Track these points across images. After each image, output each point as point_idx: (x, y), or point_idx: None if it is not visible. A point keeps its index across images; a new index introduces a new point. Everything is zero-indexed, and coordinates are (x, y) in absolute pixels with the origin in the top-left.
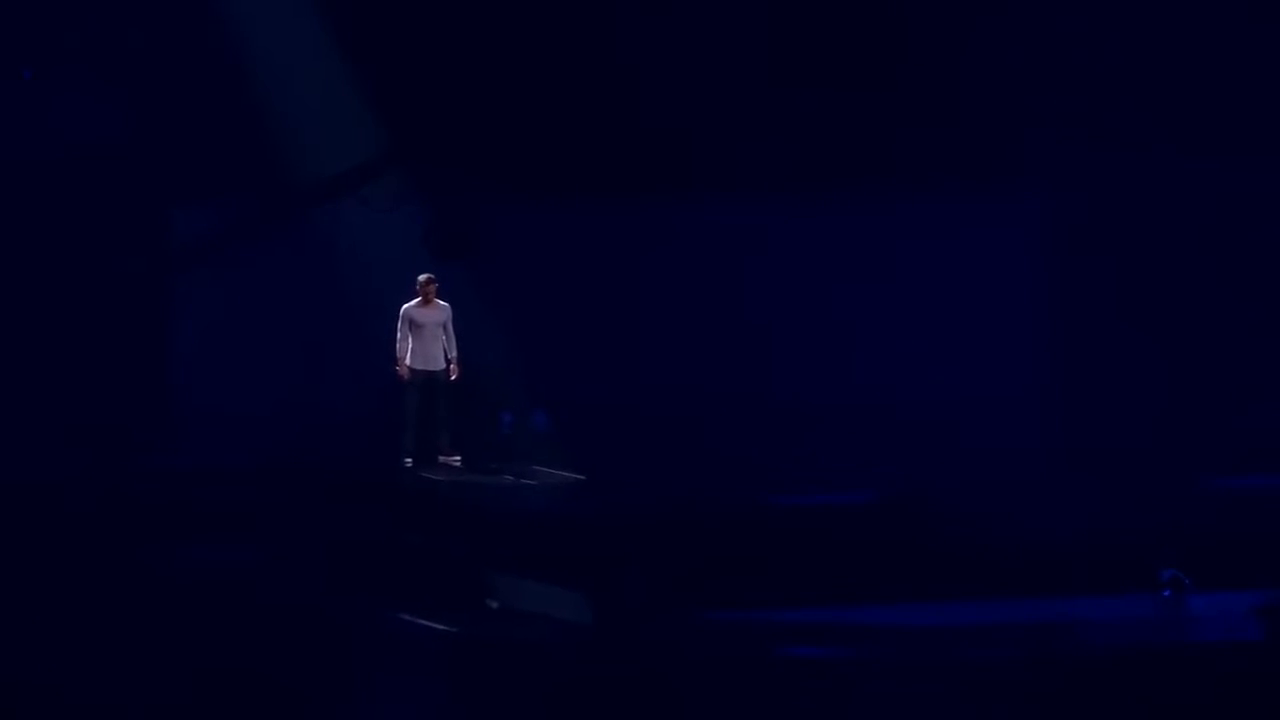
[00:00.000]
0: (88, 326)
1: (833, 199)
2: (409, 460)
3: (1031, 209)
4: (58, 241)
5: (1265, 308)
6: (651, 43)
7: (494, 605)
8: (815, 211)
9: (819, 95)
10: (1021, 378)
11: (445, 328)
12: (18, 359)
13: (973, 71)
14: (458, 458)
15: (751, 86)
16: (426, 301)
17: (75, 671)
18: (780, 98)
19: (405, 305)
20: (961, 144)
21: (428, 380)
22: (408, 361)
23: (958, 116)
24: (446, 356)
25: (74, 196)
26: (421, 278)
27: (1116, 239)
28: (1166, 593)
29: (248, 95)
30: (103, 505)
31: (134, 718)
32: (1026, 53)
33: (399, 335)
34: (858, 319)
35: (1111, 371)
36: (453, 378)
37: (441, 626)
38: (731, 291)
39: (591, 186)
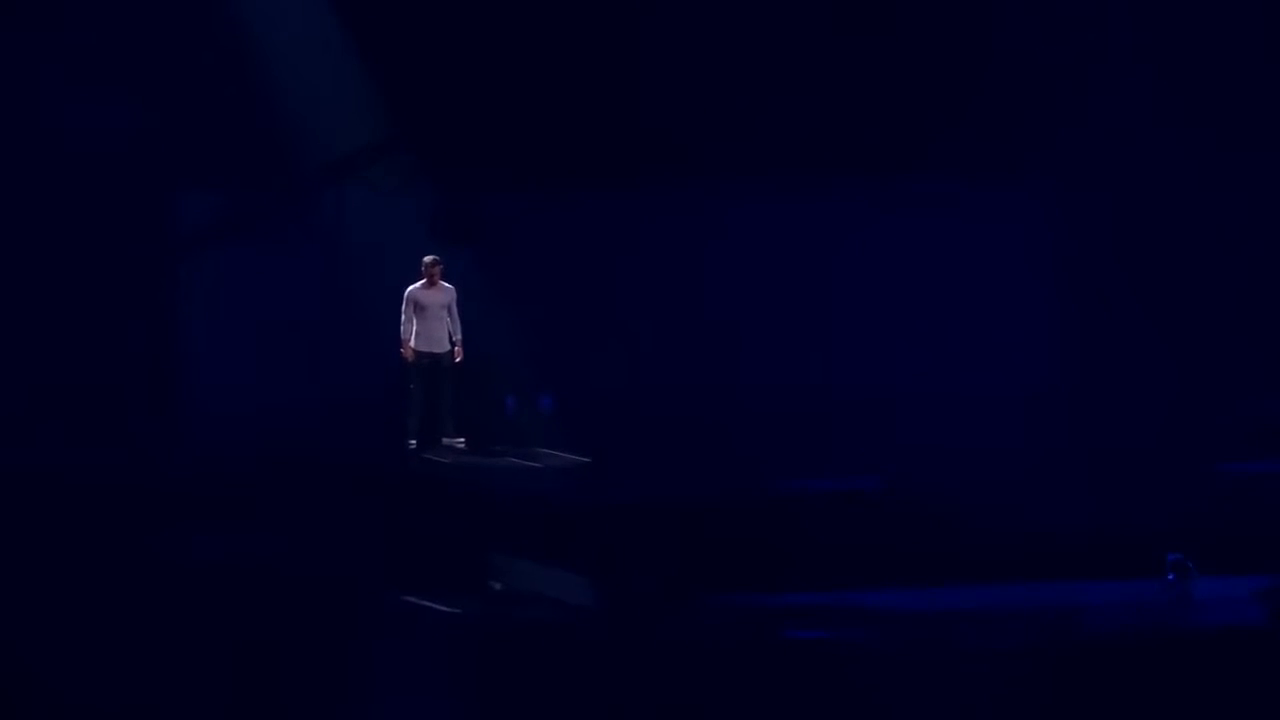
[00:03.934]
0: (93, 313)
1: (841, 190)
2: (413, 443)
3: (1040, 201)
4: (63, 229)
5: (1272, 300)
6: (660, 29)
7: (499, 588)
8: (823, 202)
9: (826, 84)
10: (1029, 367)
11: (450, 310)
12: (23, 345)
13: (983, 62)
14: (462, 440)
15: (758, 75)
16: (431, 283)
17: (84, 660)
18: (787, 87)
19: (410, 287)
20: (970, 136)
21: (432, 362)
22: (412, 344)
23: (967, 108)
24: (451, 339)
25: (78, 184)
26: (426, 259)
27: (1125, 231)
28: (1171, 577)
29: (251, 80)
30: (107, 492)
31: (143, 703)
32: (1037, 43)
33: (403, 317)
34: (866, 310)
35: (1118, 360)
36: (457, 360)
37: (447, 609)
38: (738, 280)
39: (597, 173)
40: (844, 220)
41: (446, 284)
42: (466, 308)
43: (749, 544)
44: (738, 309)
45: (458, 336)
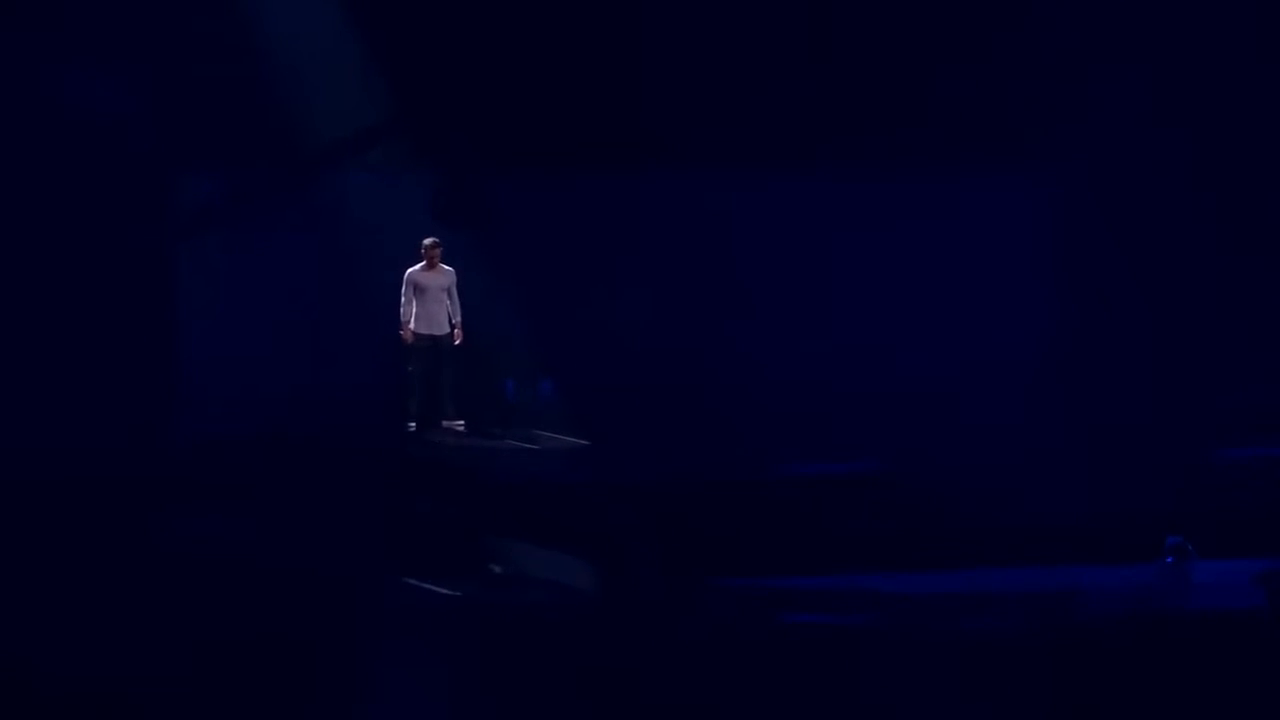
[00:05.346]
0: (92, 295)
1: (837, 174)
2: (413, 425)
3: (1039, 192)
4: (61, 210)
5: (1270, 285)
6: (663, 14)
7: (498, 571)
8: (821, 187)
9: (823, 69)
10: (1028, 355)
11: (449, 292)
12: (21, 329)
13: (983, 54)
14: (461, 423)
15: (757, 62)
16: (431, 266)
17: (79, 644)
18: (784, 73)
19: (409, 269)
20: (970, 127)
21: (432, 345)
22: (412, 326)
23: (968, 100)
24: (451, 321)
25: (78, 165)
26: (426, 241)
27: (1123, 221)
28: (1170, 560)
29: (252, 61)
30: (106, 475)
31: (139, 684)
32: (1036, 30)
33: (403, 299)
34: (866, 298)
35: (1115, 347)
36: (457, 342)
37: (446, 592)
38: (736, 265)
39: (598, 156)
40: (845, 211)
41: (446, 266)
42: (467, 290)
43: (749, 528)
44: (739, 295)
45: (457, 319)
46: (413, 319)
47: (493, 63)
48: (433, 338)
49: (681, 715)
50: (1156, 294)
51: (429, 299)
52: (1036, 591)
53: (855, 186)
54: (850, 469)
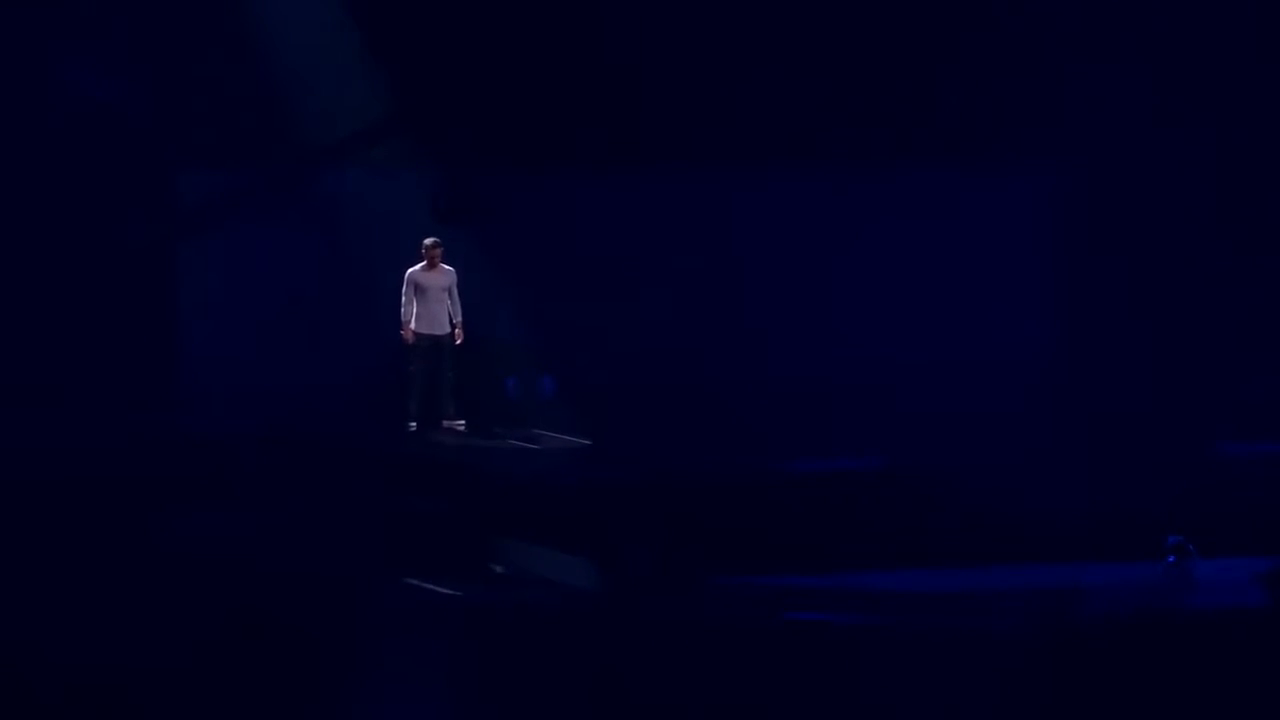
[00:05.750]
0: (93, 292)
1: (839, 172)
2: (413, 425)
3: (1038, 188)
4: (63, 207)
5: (1271, 282)
6: (665, 9)
7: (499, 570)
8: (822, 185)
9: (824, 67)
10: (1029, 351)
11: (450, 292)
12: (21, 325)
13: (981, 47)
14: (462, 422)
15: (757, 60)
16: (431, 265)
17: (80, 643)
18: (785, 71)
19: (410, 269)
20: (967, 119)
21: (433, 344)
22: (412, 325)
23: (963, 92)
24: (451, 321)
25: (79, 162)
26: (427, 242)
27: (1122, 217)
28: (1171, 559)
29: (253, 59)
30: (106, 471)
31: (138, 683)
32: (1036, 28)
33: (404, 299)
34: (866, 295)
35: (1116, 342)
36: (457, 342)
37: (446, 591)
38: (736, 262)
39: (598, 155)
40: (846, 209)
41: (447, 266)
42: (467, 290)
43: (750, 525)
44: (739, 292)
45: (458, 319)
46: (413, 319)
47: (493, 61)
48: (433, 337)
49: (681, 714)
50: (1158, 290)
51: (430, 299)
52: (1038, 590)
53: (856, 184)
54: (851, 466)
